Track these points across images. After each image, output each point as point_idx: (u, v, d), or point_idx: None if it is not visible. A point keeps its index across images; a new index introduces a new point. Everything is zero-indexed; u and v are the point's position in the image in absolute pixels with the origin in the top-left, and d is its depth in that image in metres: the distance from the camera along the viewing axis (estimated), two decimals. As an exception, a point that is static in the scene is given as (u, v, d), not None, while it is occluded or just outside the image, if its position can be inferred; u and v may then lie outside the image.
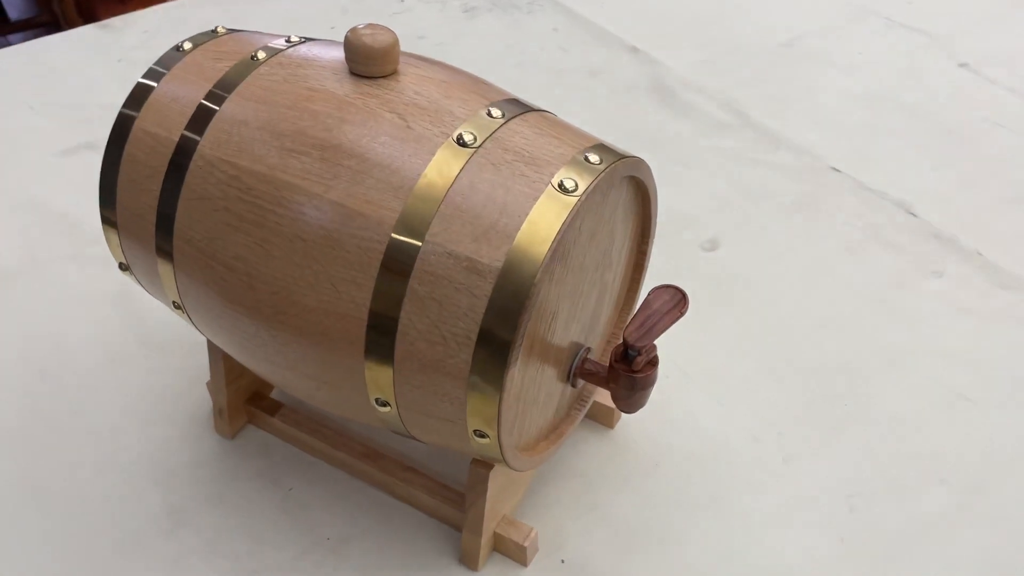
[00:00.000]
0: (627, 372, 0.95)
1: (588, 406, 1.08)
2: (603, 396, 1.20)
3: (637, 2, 2.13)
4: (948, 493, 1.16)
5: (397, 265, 0.83)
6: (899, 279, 1.44)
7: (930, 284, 1.43)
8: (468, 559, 1.06)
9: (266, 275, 0.87)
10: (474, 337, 0.82)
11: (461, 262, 0.82)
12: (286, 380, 0.96)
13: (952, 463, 1.19)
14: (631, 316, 1.03)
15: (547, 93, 1.81)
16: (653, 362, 0.97)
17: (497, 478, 1.01)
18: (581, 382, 1.02)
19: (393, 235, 0.83)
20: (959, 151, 1.70)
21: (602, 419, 1.21)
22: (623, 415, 1.23)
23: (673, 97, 1.81)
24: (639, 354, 0.95)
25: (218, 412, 1.19)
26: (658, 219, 1.54)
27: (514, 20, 2.05)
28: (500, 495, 1.03)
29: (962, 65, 1.92)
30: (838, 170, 1.63)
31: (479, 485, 1.00)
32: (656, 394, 1.27)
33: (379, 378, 0.87)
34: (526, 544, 1.05)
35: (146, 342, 1.32)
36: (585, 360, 1.01)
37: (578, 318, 0.97)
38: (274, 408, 1.19)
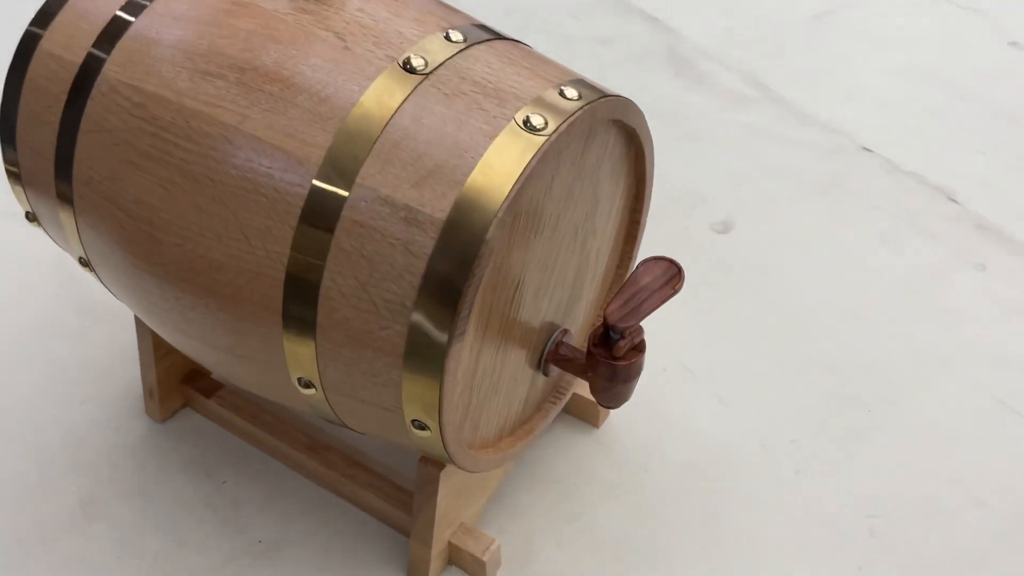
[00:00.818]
0: (607, 359, 0.79)
1: (565, 399, 0.93)
2: (585, 389, 1.04)
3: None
4: (987, 518, 0.99)
5: (320, 213, 0.68)
6: (936, 271, 1.27)
7: (971, 278, 1.26)
8: (416, 572, 0.90)
9: (170, 223, 0.73)
10: (410, 304, 0.66)
11: (398, 211, 0.66)
12: (200, 354, 0.81)
13: (993, 483, 1.02)
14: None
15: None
16: (639, 348, 0.81)
17: (451, 479, 0.85)
18: (555, 370, 0.87)
19: (316, 178, 0.68)
20: (1007, 134, 1.52)
21: (586, 416, 1.05)
22: (610, 413, 1.07)
23: (690, 68, 1.65)
24: (622, 337, 0.79)
25: (148, 392, 1.04)
26: (665, 196, 1.39)
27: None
28: (456, 499, 0.88)
29: (1012, 44, 1.74)
30: (870, 150, 1.46)
31: (428, 487, 0.85)
32: (651, 390, 1.11)
33: (300, 353, 0.72)
34: (485, 558, 0.89)
35: (84, 310, 1.18)
36: (560, 344, 0.85)
37: (552, 293, 0.82)
38: (211, 389, 1.04)
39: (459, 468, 0.77)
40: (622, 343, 0.79)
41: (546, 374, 0.86)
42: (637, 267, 0.81)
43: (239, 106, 0.69)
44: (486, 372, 0.76)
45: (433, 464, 0.83)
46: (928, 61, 1.67)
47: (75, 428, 1.05)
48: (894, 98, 1.58)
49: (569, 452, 1.04)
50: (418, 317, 0.66)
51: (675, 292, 0.80)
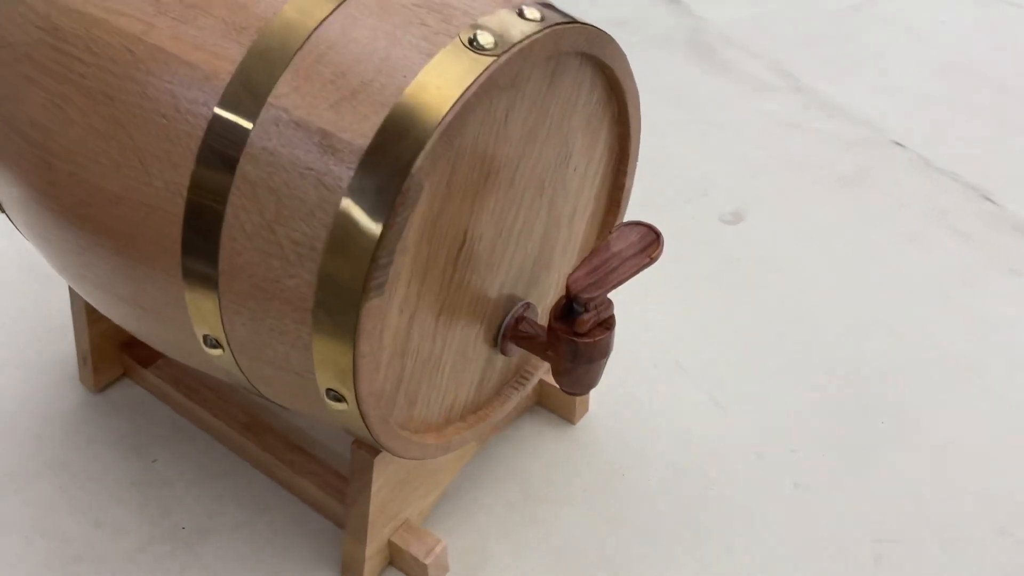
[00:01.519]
0: (568, 334, 0.69)
1: (529, 385, 0.82)
2: (563, 380, 0.93)
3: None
4: (1010, 547, 0.86)
5: (225, 137, 0.58)
6: (968, 275, 1.14)
7: (1005, 283, 1.13)
8: (350, 572, 0.80)
9: (64, 147, 0.63)
10: (321, 248, 0.56)
11: (312, 136, 0.56)
12: (106, 306, 0.71)
13: (1017, 509, 0.90)
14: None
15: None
16: (606, 325, 0.70)
17: (390, 467, 0.75)
18: (515, 350, 0.76)
19: (223, 96, 0.58)
20: (1055, 137, 1.39)
21: (562, 411, 0.94)
22: (589, 409, 0.96)
23: (712, 53, 1.54)
24: (586, 311, 0.69)
25: (81, 358, 0.95)
26: (671, 182, 1.29)
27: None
28: (397, 491, 0.77)
29: (1065, 44, 1.61)
30: (902, 145, 1.34)
31: (362, 474, 0.74)
32: (638, 386, 1.00)
33: (203, 305, 0.62)
34: (428, 561, 0.78)
35: (31, 269, 1.10)
36: (521, 320, 0.75)
37: (512, 259, 0.71)
38: (150, 358, 0.95)
39: (392, 453, 0.67)
40: (586, 317, 0.68)
41: (505, 353, 0.75)
42: (610, 232, 0.70)
43: (146, 14, 0.60)
44: (425, 341, 0.66)
45: (367, 449, 0.73)
46: (970, 58, 1.55)
47: (2, 394, 0.96)
48: (932, 93, 1.46)
49: (539, 449, 0.93)
50: (329, 264, 0.56)
51: (651, 261, 0.69)
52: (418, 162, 0.54)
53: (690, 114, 1.40)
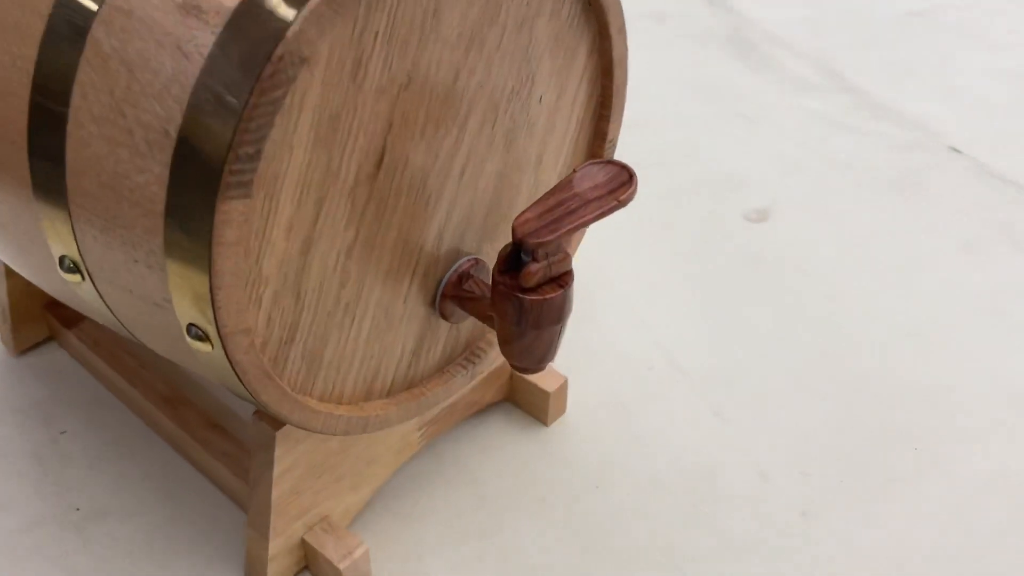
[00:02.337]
0: (512, 289, 0.56)
1: (481, 365, 0.68)
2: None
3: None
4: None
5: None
6: (1030, 292, 0.98)
7: (1077, 306, 0.97)
8: (254, 573, 0.67)
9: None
10: (174, 132, 0.45)
11: (174, -5, 0.45)
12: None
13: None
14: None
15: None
16: (561, 281, 0.57)
17: (300, 446, 0.62)
18: (459, 315, 0.63)
19: (82, -52, 0.47)
20: None
21: (532, 409, 0.81)
22: (567, 410, 0.82)
23: (754, 51, 1.41)
24: (534, 260, 0.56)
25: (1, 315, 0.85)
26: (694, 174, 1.16)
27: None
28: (310, 478, 0.65)
29: None
30: (959, 151, 1.19)
31: (263, 452, 0.62)
32: (627, 388, 0.86)
33: (55, 214, 0.51)
34: (342, 566, 0.65)
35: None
36: (465, 276, 0.62)
37: (455, 201, 0.58)
38: (74, 320, 0.85)
39: (285, 421, 0.54)
40: (533, 268, 0.55)
41: (445, 317, 0.63)
42: (575, 170, 0.57)
43: None
44: (330, 283, 0.53)
45: (269, 420, 0.60)
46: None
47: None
48: (995, 100, 1.30)
49: (502, 451, 0.79)
50: (182, 153, 0.44)
51: (619, 205, 0.56)
52: (296, 24, 0.42)
53: (724, 109, 1.27)
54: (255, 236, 0.47)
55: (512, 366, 0.60)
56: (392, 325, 0.60)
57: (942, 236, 1.06)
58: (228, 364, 0.49)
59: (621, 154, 1.24)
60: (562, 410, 0.81)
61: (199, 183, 0.44)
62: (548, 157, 0.64)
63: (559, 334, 0.58)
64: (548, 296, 0.55)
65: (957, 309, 0.96)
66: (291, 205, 0.49)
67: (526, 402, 0.81)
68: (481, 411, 0.81)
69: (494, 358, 0.68)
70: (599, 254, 1.02)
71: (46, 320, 0.86)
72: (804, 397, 0.86)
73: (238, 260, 0.46)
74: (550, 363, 0.77)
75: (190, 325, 0.48)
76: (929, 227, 1.07)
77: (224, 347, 0.48)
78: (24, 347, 0.86)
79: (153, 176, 0.45)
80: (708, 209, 1.09)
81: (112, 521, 0.73)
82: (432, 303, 0.62)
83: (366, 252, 0.55)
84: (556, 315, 0.56)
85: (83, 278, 0.52)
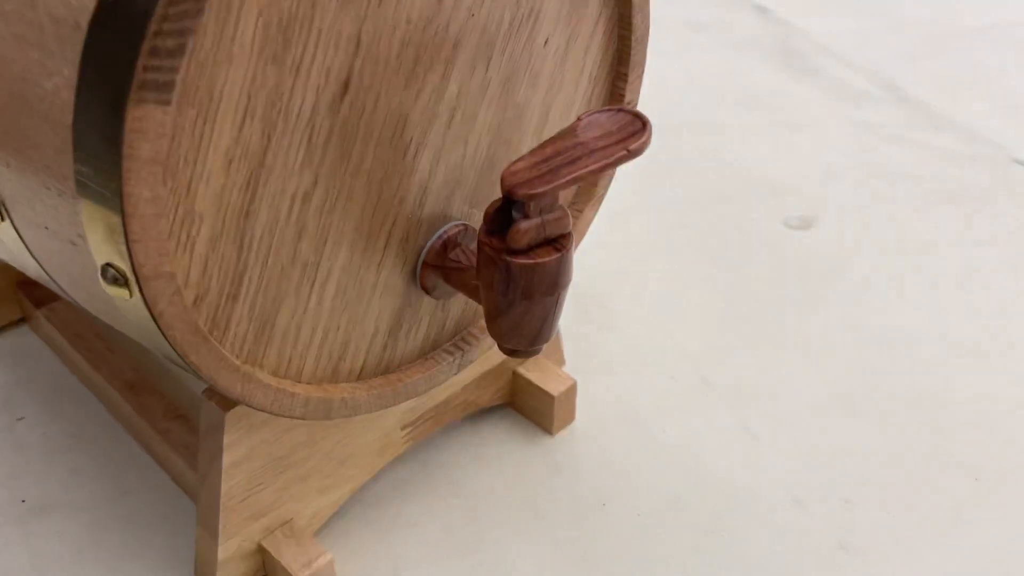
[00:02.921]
0: (499, 251, 0.48)
1: (471, 353, 0.59)
2: (540, 373, 0.71)
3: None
4: None
5: None
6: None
7: None
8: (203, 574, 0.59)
9: None
10: (85, 24, 0.38)
11: None
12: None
13: None
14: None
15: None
16: (558, 245, 0.49)
17: (257, 434, 0.54)
18: (444, 289, 0.55)
19: None
20: None
21: (537, 416, 0.72)
22: (576, 418, 0.73)
23: (802, 60, 1.33)
24: (525, 216, 0.48)
25: (-31, 291, 0.79)
26: (730, 180, 1.07)
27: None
28: (270, 473, 0.56)
29: None
30: (1023, 163, 1.09)
31: (212, 437, 0.54)
32: (647, 400, 0.76)
33: (-33, 136, 0.44)
34: (302, 575, 0.57)
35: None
36: (451, 243, 0.54)
37: (440, 152, 0.50)
38: (44, 299, 0.78)
39: (224, 392, 0.47)
40: (524, 225, 0.47)
41: (427, 290, 0.54)
42: (580, 117, 0.49)
43: None
44: (284, 233, 0.46)
45: (220, 400, 0.53)
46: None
47: None
48: (1067, 116, 1.20)
49: (500, 461, 0.70)
50: (93, 45, 0.37)
51: (628, 155, 0.48)
52: None
53: (764, 116, 1.18)
54: (184, 161, 0.40)
55: (501, 348, 0.51)
56: (363, 295, 0.52)
57: (1003, 251, 0.95)
58: (150, 316, 0.41)
59: (649, 155, 1.16)
60: (570, 418, 0.72)
61: (109, 83, 0.37)
62: (555, 116, 0.56)
63: (555, 310, 0.50)
64: (540, 260, 0.47)
65: (1014, 329, 0.85)
66: (231, 130, 0.41)
67: (529, 407, 0.72)
68: (477, 414, 0.72)
69: (487, 347, 0.60)
70: (620, 256, 0.93)
71: (18, 300, 0.80)
72: (847, 417, 0.76)
73: (156, 184, 0.38)
74: (560, 362, 0.71)
75: (106, 266, 0.41)
76: (989, 241, 0.97)
77: (143, 293, 0.40)
78: (-8, 328, 0.81)
79: (63, 80, 0.38)
80: (743, 215, 1.00)
81: (58, 516, 0.65)
82: (412, 274, 0.54)
83: (328, 202, 0.47)
84: (550, 284, 0.48)
85: (2, 217, 0.46)
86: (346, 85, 0.44)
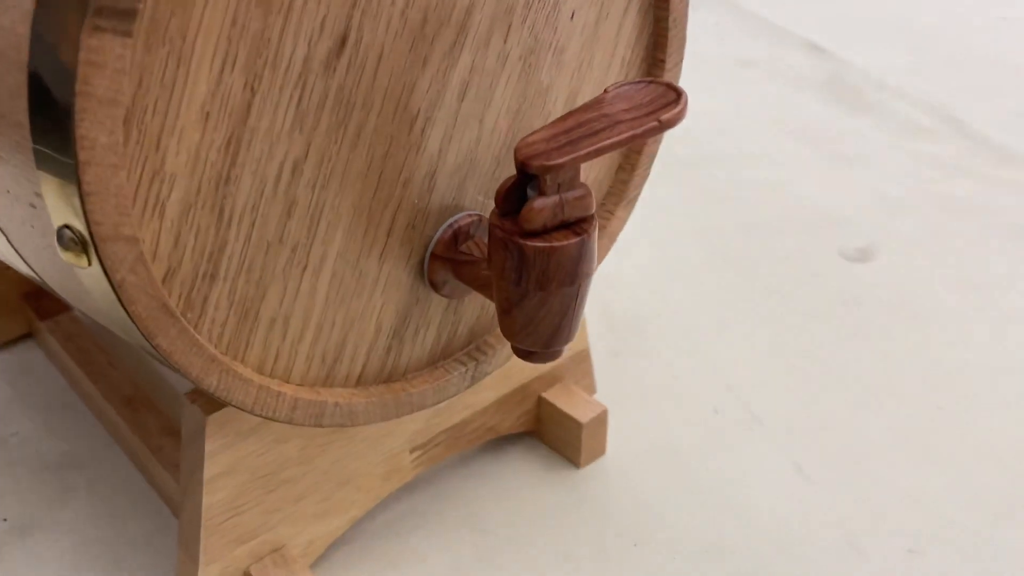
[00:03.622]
0: (511, 233, 0.42)
1: (488, 365, 0.53)
2: (562, 398, 0.65)
3: (838, 5, 1.63)
4: None
5: None
6: None
7: None
8: (180, 610, 0.53)
9: None
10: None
11: None
12: None
13: None
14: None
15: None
16: (578, 229, 0.43)
17: (243, 444, 0.49)
18: (454, 285, 0.50)
19: None
20: None
21: (563, 446, 0.65)
22: (605, 450, 0.66)
23: (857, 95, 1.27)
24: (540, 193, 0.42)
25: (-26, 302, 0.76)
26: (781, 211, 1.01)
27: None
28: (259, 491, 0.50)
29: None
30: (1105, 199, 1.01)
31: (193, 444, 0.48)
32: (688, 432, 0.70)
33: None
34: (289, 610, 0.51)
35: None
36: (461, 233, 0.49)
37: (453, 132, 0.45)
38: (51, 311, 0.74)
39: (198, 385, 0.41)
40: (539, 203, 0.41)
41: (435, 286, 0.49)
42: (605, 91, 0.44)
43: None
44: (268, 204, 0.41)
45: (204, 402, 0.47)
46: None
47: None
48: None
49: (521, 493, 0.63)
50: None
51: (660, 126, 0.42)
52: None
53: (821, 149, 1.12)
54: (153, 110, 0.36)
55: (515, 351, 0.45)
56: (363, 288, 0.46)
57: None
58: (111, 288, 0.36)
59: (696, 185, 1.11)
60: (600, 450, 0.66)
61: (65, 10, 0.32)
62: (583, 96, 0.51)
63: (574, 305, 0.44)
64: (557, 244, 0.42)
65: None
66: (208, 78, 0.37)
67: (554, 436, 0.66)
68: (498, 442, 0.66)
69: (504, 358, 0.54)
70: (664, 282, 0.87)
71: (25, 314, 0.76)
72: (911, 458, 0.68)
73: (115, 129, 0.34)
74: (590, 389, 0.65)
75: (62, 228, 0.36)
76: (1065, 277, 0.89)
77: (100, 259, 0.35)
78: (3, 341, 0.77)
79: (20, 13, 0.34)
80: (796, 245, 0.93)
81: (39, 536, 0.60)
82: (419, 267, 0.48)
83: (322, 175, 0.42)
84: (568, 272, 0.42)
85: (-35, 185, 0.41)
86: (343, 40, 0.40)
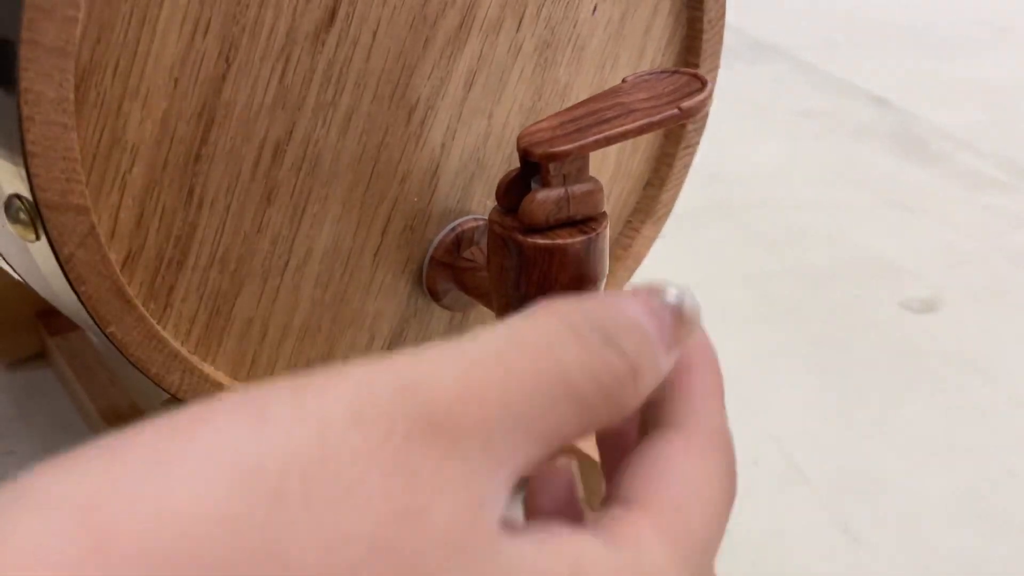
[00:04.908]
0: (509, 228, 0.38)
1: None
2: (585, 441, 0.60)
3: (904, 60, 1.57)
4: None
5: None
6: None
7: None
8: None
9: None
10: None
11: None
12: None
13: None
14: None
15: (714, 121, 1.28)
16: (585, 227, 0.39)
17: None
18: (456, 297, 0.45)
19: None
20: None
21: (583, 490, 0.60)
22: (632, 496, 0.61)
23: (922, 147, 1.21)
24: (544, 185, 0.38)
25: (-12, 319, 0.74)
26: (838, 257, 0.95)
27: (732, 72, 1.57)
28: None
29: None
30: None
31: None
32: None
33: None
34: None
35: None
36: (466, 240, 0.45)
37: (458, 125, 0.41)
38: (60, 329, 0.72)
39: (159, 383, 0.37)
40: (541, 195, 0.37)
41: (435, 294, 0.45)
42: (623, 80, 0.40)
43: None
44: (244, 185, 0.37)
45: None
46: None
47: None
48: None
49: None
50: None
51: (681, 115, 0.38)
52: None
53: (882, 198, 1.06)
54: (114, 70, 0.33)
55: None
56: (354, 291, 0.43)
57: None
58: (58, 265, 0.33)
59: (749, 229, 1.06)
60: (624, 497, 0.60)
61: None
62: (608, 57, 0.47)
63: (581, 313, 0.39)
64: (561, 242, 0.37)
65: None
66: (178, 41, 0.34)
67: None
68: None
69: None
70: (709, 327, 0.81)
71: (38, 332, 0.74)
72: (973, 522, 0.60)
73: (64, 84, 0.31)
74: None
75: (11, 197, 0.33)
76: None
77: (46, 230, 0.32)
78: (12, 358, 0.75)
79: (-28, -40, 0.32)
80: (853, 294, 0.87)
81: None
82: (418, 274, 0.44)
83: (308, 160, 0.39)
84: (573, 275, 0.38)
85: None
86: (332, 13, 0.37)
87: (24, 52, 0.30)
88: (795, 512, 0.62)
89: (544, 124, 0.39)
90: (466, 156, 0.44)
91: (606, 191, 0.50)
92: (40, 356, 0.75)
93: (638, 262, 0.52)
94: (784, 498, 0.64)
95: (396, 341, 0.45)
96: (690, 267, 0.85)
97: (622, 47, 0.47)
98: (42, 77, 0.30)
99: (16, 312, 0.73)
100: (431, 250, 0.44)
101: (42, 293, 0.40)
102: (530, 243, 0.37)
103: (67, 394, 0.71)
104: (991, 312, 0.85)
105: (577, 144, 0.37)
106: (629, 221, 0.52)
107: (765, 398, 0.73)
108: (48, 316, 0.75)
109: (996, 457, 0.67)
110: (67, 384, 0.71)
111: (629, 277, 0.52)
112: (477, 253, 0.44)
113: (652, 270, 0.63)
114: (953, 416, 0.72)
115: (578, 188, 0.38)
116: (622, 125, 0.38)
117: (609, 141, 0.37)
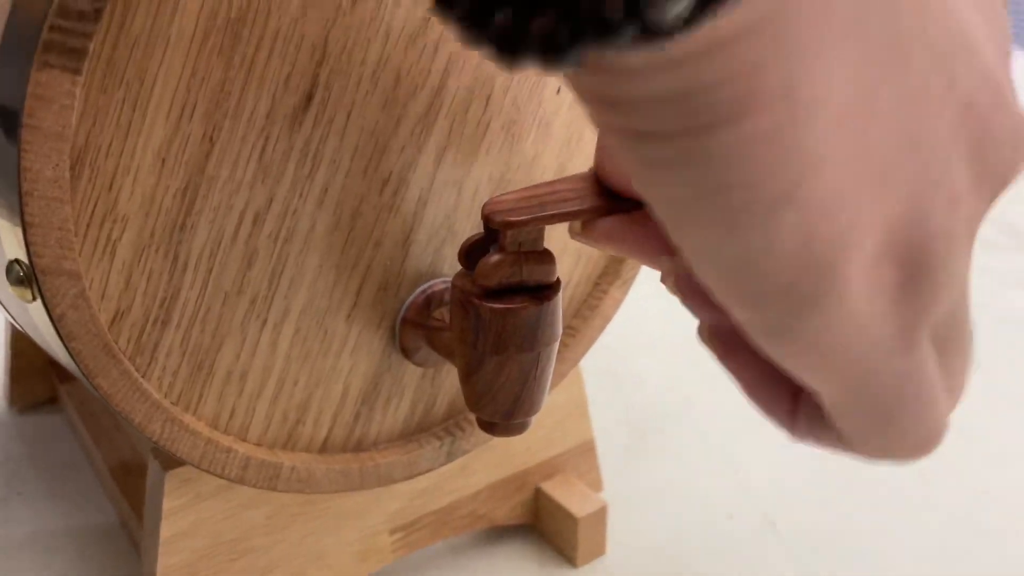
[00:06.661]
0: (468, 292, 0.41)
1: (464, 443, 0.51)
2: (559, 490, 0.62)
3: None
4: None
5: None
6: None
7: None
8: None
9: None
10: (10, -8, 0.35)
11: None
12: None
13: None
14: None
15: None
16: (539, 295, 0.42)
17: (204, 505, 0.47)
18: (426, 355, 0.48)
19: None
20: None
21: (560, 542, 0.62)
22: (605, 550, 0.62)
23: None
24: (501, 251, 0.41)
25: (4, 366, 0.78)
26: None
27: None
28: (217, 555, 0.48)
29: None
30: None
31: (152, 501, 0.47)
32: (695, 537, 0.65)
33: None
34: None
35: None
36: (435, 299, 0.48)
37: (434, 196, 0.45)
38: (69, 376, 0.76)
39: (141, 432, 0.41)
40: (495, 259, 0.40)
41: (406, 352, 0.48)
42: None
43: None
44: (227, 253, 0.41)
45: (164, 456, 0.47)
46: None
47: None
48: None
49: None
50: (14, 14, 0.34)
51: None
52: None
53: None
54: (107, 151, 0.36)
55: (478, 423, 0.44)
56: (329, 347, 0.46)
57: None
58: (51, 323, 0.37)
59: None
60: (599, 549, 0.62)
61: (20, 47, 0.34)
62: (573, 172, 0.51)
63: (534, 373, 0.42)
64: (513, 306, 0.40)
65: None
66: (166, 124, 0.38)
67: (551, 530, 0.62)
68: (493, 533, 0.63)
69: (485, 436, 0.52)
70: (688, 380, 0.84)
71: (50, 379, 0.78)
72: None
73: (60, 164, 0.35)
74: (596, 485, 0.61)
75: (12, 262, 0.37)
76: None
77: (41, 292, 0.36)
78: (25, 404, 0.78)
79: (-16, 52, 0.36)
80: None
81: (15, 597, 0.60)
82: (391, 331, 0.47)
83: (286, 228, 0.42)
84: (526, 338, 0.41)
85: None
86: (309, 97, 0.41)
87: (25, 135, 0.34)
88: (768, 567, 0.64)
89: (510, 196, 0.42)
90: (438, 223, 0.47)
91: (576, 254, 0.53)
92: (52, 401, 0.79)
93: (606, 321, 0.55)
94: (757, 553, 0.65)
95: (370, 395, 0.48)
96: (670, 319, 0.88)
97: (586, 123, 0.50)
98: (40, 158, 0.34)
99: (30, 360, 0.77)
100: (403, 311, 0.47)
101: (42, 346, 0.44)
102: (486, 307, 0.40)
103: (75, 438, 0.75)
104: (987, 377, 0.86)
105: (535, 216, 0.40)
106: (598, 283, 0.55)
107: (746, 453, 0.74)
108: (59, 364, 0.79)
109: (980, 521, 0.68)
110: (75, 428, 0.74)
111: (597, 336, 0.55)
112: (445, 314, 0.47)
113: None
114: (935, 477, 0.73)
115: (533, 256, 0.41)
116: (582, 206, 0.41)
117: (567, 217, 0.40)
